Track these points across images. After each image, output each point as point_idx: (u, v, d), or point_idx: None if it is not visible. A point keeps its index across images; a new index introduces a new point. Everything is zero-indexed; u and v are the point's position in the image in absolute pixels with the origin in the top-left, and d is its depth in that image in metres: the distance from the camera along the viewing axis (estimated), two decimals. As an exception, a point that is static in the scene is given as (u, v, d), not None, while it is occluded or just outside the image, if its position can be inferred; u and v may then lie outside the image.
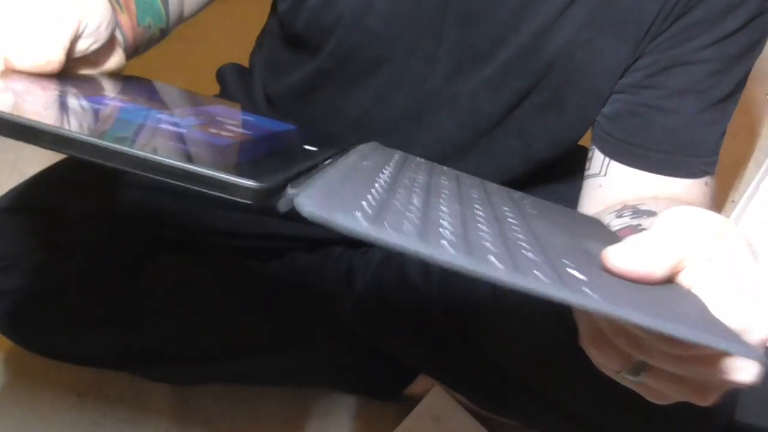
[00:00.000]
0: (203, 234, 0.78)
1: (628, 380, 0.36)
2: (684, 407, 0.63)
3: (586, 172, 0.65)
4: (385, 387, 0.88)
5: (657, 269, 0.33)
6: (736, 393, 0.67)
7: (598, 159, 0.64)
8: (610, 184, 0.62)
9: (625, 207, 0.57)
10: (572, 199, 0.69)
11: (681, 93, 0.59)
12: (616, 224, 0.54)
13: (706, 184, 0.62)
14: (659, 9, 0.58)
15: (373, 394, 0.89)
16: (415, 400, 0.88)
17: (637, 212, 0.55)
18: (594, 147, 0.65)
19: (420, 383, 0.88)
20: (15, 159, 1.19)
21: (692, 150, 0.61)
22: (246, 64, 0.86)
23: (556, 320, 0.67)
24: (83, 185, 0.74)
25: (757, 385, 0.80)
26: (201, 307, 0.78)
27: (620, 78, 0.62)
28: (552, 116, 0.66)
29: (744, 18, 0.56)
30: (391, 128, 0.69)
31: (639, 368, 0.35)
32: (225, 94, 0.84)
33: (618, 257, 0.33)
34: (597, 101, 0.63)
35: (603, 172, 0.63)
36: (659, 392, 0.36)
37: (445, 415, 0.86)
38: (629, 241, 0.34)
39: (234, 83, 0.83)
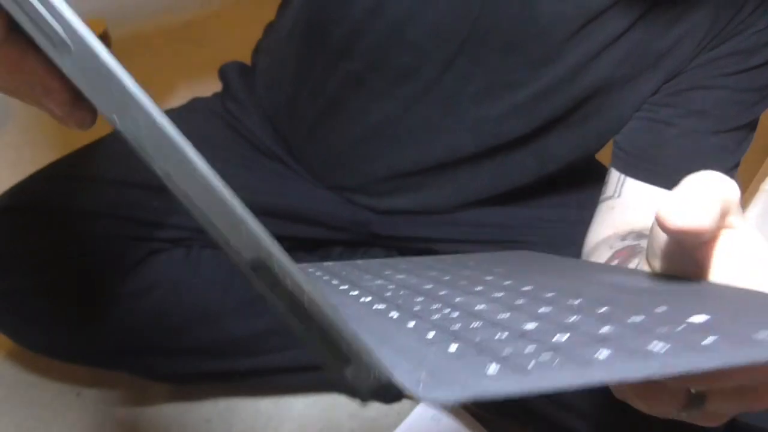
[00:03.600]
0: (202, 233, 0.78)
1: (684, 416, 0.33)
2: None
3: (601, 197, 0.66)
4: (385, 387, 0.88)
5: (710, 217, 0.31)
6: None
7: (612, 181, 0.65)
8: (622, 206, 0.63)
9: (631, 231, 0.58)
10: (580, 208, 0.71)
11: (698, 114, 0.60)
12: (618, 246, 0.55)
13: None
14: (695, 47, 0.59)
15: (373, 394, 0.89)
16: (415, 400, 0.88)
17: (641, 236, 0.56)
18: (611, 168, 0.66)
19: (420, 383, 0.88)
20: (15, 158, 1.19)
21: (703, 170, 0.61)
22: (247, 63, 0.86)
23: None
24: (82, 184, 0.74)
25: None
26: (200, 306, 0.78)
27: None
28: (572, 139, 0.66)
29: None
30: (408, 137, 0.69)
31: (699, 400, 0.32)
32: (228, 93, 0.84)
33: (674, 216, 0.31)
34: (619, 125, 0.65)
35: (617, 194, 0.64)
36: (716, 414, 0.33)
37: (445, 416, 0.86)
38: (674, 198, 0.32)
39: (237, 81, 0.83)
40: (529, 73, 0.62)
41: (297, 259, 0.87)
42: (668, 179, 0.61)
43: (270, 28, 0.82)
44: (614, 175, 0.65)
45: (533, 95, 0.63)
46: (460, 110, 0.66)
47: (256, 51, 0.84)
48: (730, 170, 0.62)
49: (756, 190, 1.01)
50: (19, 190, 0.75)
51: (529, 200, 0.78)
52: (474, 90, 0.64)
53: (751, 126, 0.62)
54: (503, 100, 0.64)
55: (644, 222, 0.60)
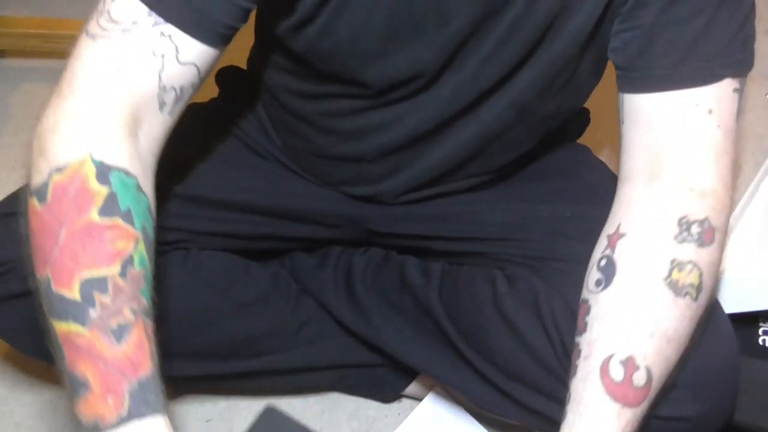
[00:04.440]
0: (201, 235, 0.78)
1: None
2: (683, 409, 0.63)
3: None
4: (385, 387, 0.88)
5: None
6: (736, 393, 0.67)
7: (620, 103, 0.64)
8: (627, 130, 0.63)
9: (603, 254, 0.61)
10: (575, 203, 0.74)
11: (672, 3, 0.59)
12: (600, 251, 0.62)
13: (709, 112, 0.60)
14: None
15: (373, 394, 0.89)
16: (415, 401, 0.88)
17: (606, 266, 0.60)
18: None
19: (420, 383, 0.88)
20: (15, 159, 1.19)
21: (694, 57, 0.59)
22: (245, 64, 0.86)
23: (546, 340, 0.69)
24: None
25: (757, 385, 0.80)
26: (198, 309, 0.78)
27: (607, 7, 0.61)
28: (541, 79, 0.66)
29: None
30: (395, 123, 0.70)
31: None
32: (224, 97, 0.84)
33: None
34: (579, 42, 0.63)
35: (621, 119, 0.64)
36: None
37: (445, 416, 0.86)
38: None
39: (234, 87, 0.83)
40: (485, 23, 0.62)
41: (297, 258, 0.87)
42: (664, 80, 0.60)
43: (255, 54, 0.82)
44: (619, 99, 0.64)
45: (496, 42, 0.63)
46: (439, 86, 0.66)
47: (251, 61, 0.83)
48: (729, 41, 0.59)
49: (756, 190, 1.01)
50: (17, 196, 0.75)
51: (523, 197, 0.78)
52: (448, 66, 0.65)
53: None
54: (472, 58, 0.64)
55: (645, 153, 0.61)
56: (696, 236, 0.58)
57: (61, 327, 0.50)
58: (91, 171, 0.52)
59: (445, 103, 0.68)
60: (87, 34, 0.56)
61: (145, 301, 0.53)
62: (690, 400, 0.62)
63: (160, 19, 0.55)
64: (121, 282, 0.51)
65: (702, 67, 0.59)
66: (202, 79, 0.60)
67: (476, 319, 0.74)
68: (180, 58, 0.56)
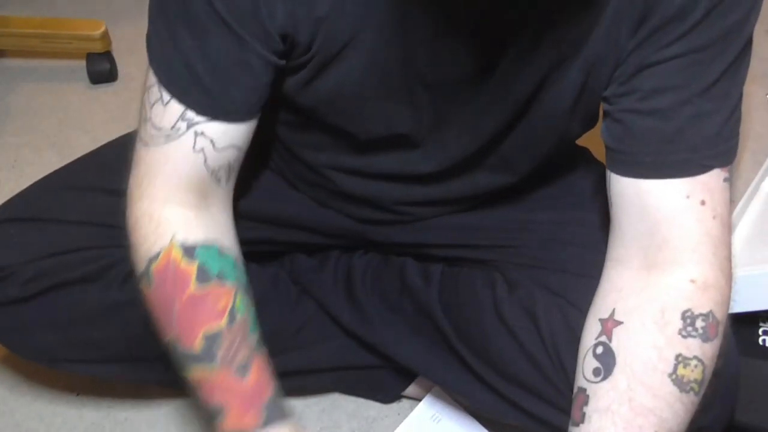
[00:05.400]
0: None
1: None
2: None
3: None
4: (384, 388, 0.88)
5: None
6: (735, 393, 0.67)
7: (608, 179, 0.62)
8: (617, 213, 0.61)
9: (598, 341, 0.60)
10: (574, 209, 0.73)
11: (656, 92, 0.57)
12: (595, 334, 0.60)
13: (702, 203, 0.58)
14: (616, 30, 0.56)
15: (372, 395, 0.89)
16: (415, 401, 0.88)
17: (604, 354, 0.58)
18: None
19: (420, 384, 0.88)
20: (15, 159, 1.19)
21: (679, 146, 0.58)
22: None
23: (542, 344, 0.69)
24: (80, 194, 0.74)
25: (757, 385, 0.79)
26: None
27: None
28: (524, 145, 0.67)
29: (706, 8, 0.54)
30: (379, 171, 0.72)
31: None
32: None
33: None
34: (561, 116, 0.63)
35: (611, 198, 0.62)
36: None
37: (445, 416, 0.86)
38: None
39: None
40: (464, 93, 0.62)
41: (297, 260, 0.87)
42: (652, 168, 0.58)
43: None
44: (607, 175, 0.63)
45: (476, 113, 0.63)
46: (422, 148, 0.67)
47: None
48: (717, 131, 0.58)
49: (756, 190, 1.01)
50: (18, 201, 0.75)
51: (521, 203, 0.78)
52: (430, 132, 0.66)
53: (730, 71, 0.57)
54: (453, 125, 0.65)
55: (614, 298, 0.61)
56: (701, 331, 0.56)
57: (193, 373, 0.60)
58: (178, 253, 0.60)
59: (426, 163, 0.69)
60: (140, 141, 0.62)
61: (254, 338, 0.62)
62: None
63: (195, 119, 0.59)
64: (232, 330, 0.60)
65: (689, 158, 0.57)
66: (246, 147, 0.64)
67: (476, 322, 0.74)
68: (217, 146, 0.61)
